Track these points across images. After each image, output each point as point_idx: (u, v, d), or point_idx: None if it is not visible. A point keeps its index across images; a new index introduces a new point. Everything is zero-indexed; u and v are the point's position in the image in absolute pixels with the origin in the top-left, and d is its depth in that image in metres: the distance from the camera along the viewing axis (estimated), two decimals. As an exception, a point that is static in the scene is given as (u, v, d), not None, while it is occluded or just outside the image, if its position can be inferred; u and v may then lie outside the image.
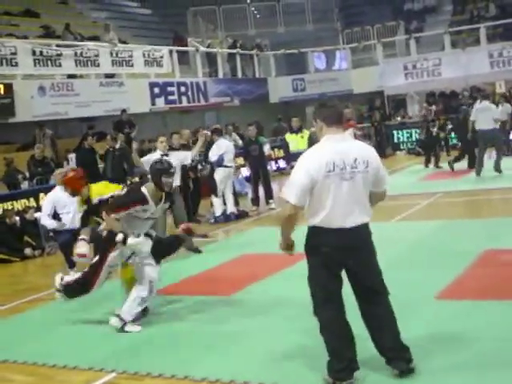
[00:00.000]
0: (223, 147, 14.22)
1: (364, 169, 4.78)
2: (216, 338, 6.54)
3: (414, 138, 24.49)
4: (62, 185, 9.20)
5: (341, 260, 4.90)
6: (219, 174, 14.15)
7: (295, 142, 21.76)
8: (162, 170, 7.20)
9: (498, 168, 15.59)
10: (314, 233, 4.91)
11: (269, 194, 15.48)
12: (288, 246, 5.08)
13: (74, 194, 8.60)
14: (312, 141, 12.72)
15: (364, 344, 5.11)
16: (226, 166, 14.13)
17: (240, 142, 19.89)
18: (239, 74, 26.56)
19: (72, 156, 17.06)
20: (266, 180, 15.45)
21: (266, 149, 15.40)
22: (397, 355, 4.94)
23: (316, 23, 33.03)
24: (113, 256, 7.26)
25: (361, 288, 4.99)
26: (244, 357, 5.97)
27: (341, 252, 4.84)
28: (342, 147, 4.78)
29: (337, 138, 4.83)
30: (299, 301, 7.39)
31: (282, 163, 23.20)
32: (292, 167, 5.25)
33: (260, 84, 27.46)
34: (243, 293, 8.20)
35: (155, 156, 10.43)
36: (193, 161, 12.69)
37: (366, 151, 4.89)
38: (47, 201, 10.48)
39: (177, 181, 10.18)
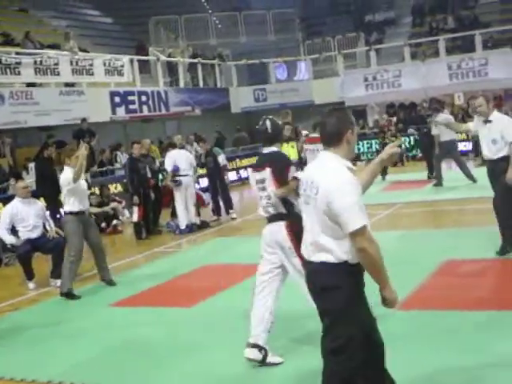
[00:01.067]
0: (173, 156, 14.19)
1: (314, 195, 3.95)
2: (178, 349, 6.52)
3: (374, 149, 24.68)
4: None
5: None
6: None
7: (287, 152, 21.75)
8: None
9: (470, 177, 15.82)
10: None
11: (228, 204, 15.49)
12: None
13: None
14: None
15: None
16: (180, 175, 14.07)
17: (202, 152, 19.89)
18: (201, 84, 26.52)
19: (31, 165, 16.85)
20: (224, 191, 15.48)
21: (221, 159, 15.36)
22: None
23: (277, 34, 33.17)
24: None
25: None
26: (207, 368, 5.94)
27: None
28: (316, 165, 4.14)
29: (319, 157, 4.15)
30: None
31: (244, 173, 23.26)
32: None
33: (221, 94, 27.45)
34: (204, 304, 8.18)
35: None
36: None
37: (321, 174, 3.96)
38: (5, 214, 10.33)
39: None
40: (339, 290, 3.88)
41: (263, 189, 5.83)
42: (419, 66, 26.24)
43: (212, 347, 6.48)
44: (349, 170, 3.96)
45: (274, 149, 6.02)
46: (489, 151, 8.71)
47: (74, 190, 9.27)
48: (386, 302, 3.98)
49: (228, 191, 15.67)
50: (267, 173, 5.85)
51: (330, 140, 4.04)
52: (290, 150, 9.96)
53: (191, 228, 14.07)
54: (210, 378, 5.70)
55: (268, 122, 6.00)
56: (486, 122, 8.75)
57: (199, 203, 15.45)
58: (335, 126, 4.03)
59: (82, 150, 9.35)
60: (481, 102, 8.88)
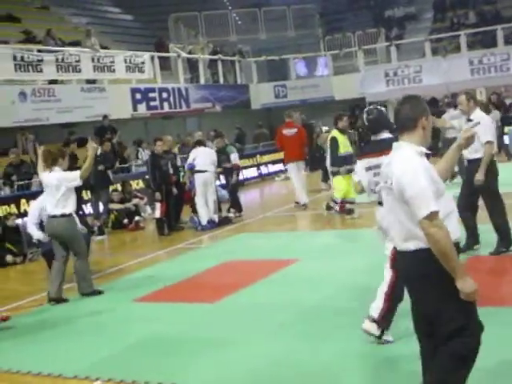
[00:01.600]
0: (194, 153, 14.22)
1: (390, 185, 4.00)
2: (201, 346, 6.52)
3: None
4: None
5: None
6: (195, 180, 14.12)
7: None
8: None
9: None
10: None
11: (233, 204, 15.50)
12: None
13: None
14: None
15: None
16: (198, 171, 14.05)
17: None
18: (221, 81, 26.54)
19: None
20: (233, 191, 15.53)
21: (233, 158, 15.33)
22: None
23: (297, 30, 33.08)
24: None
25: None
26: (230, 364, 5.95)
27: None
28: (390, 157, 4.13)
29: (396, 146, 4.14)
30: (284, 308, 7.45)
31: (264, 169, 23.35)
32: None
33: (242, 90, 27.44)
34: (228, 300, 8.19)
35: None
36: None
37: (395, 164, 4.00)
38: (33, 208, 10.36)
39: None
40: (437, 275, 3.82)
41: (379, 174, 5.51)
42: (440, 61, 26.05)
43: (236, 343, 6.48)
44: (423, 155, 3.98)
45: (387, 135, 6.22)
46: (467, 151, 8.34)
47: (72, 190, 9.21)
48: (462, 293, 3.80)
49: (236, 190, 15.65)
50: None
51: (405, 126, 4.08)
52: None
53: (213, 224, 14.07)
54: (235, 374, 5.70)
55: (376, 111, 6.35)
56: (468, 120, 8.57)
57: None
58: (410, 112, 4.07)
59: (91, 151, 9.33)
60: (461, 100, 8.69)
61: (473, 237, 8.94)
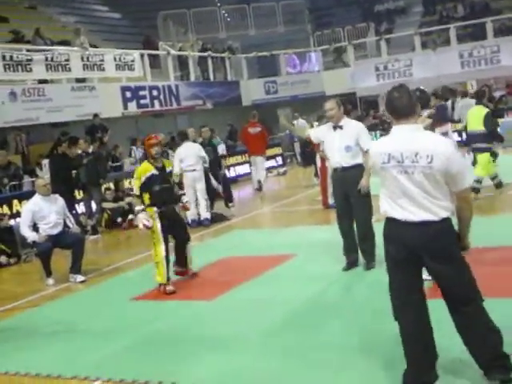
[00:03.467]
0: (180, 154, 13.98)
1: (427, 164, 4.28)
2: (201, 343, 6.47)
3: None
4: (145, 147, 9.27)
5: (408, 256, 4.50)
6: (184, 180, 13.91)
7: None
8: None
9: None
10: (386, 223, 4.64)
11: (229, 196, 15.61)
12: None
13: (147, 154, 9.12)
14: None
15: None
16: (185, 171, 13.83)
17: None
18: (211, 77, 26.46)
19: (45, 162, 16.88)
20: (225, 183, 15.58)
21: (221, 150, 15.36)
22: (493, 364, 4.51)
23: (287, 25, 33.02)
24: None
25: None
26: (230, 361, 5.90)
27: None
28: (403, 137, 4.41)
29: (399, 130, 4.46)
30: (284, 303, 7.41)
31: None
32: None
33: (232, 87, 27.37)
34: (225, 297, 8.14)
35: None
36: None
37: (433, 145, 4.33)
38: (26, 210, 10.30)
39: None
40: (454, 243, 4.46)
41: None
42: (430, 54, 26.09)
43: (236, 340, 6.44)
44: None
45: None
46: (341, 158, 8.26)
47: None
48: (465, 248, 4.52)
49: (229, 183, 15.64)
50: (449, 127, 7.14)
51: (409, 111, 4.43)
52: None
53: (200, 222, 13.97)
54: (235, 371, 5.66)
55: (418, 92, 6.96)
56: (336, 127, 8.29)
57: (214, 196, 15.26)
58: (410, 98, 4.45)
59: None
60: (332, 106, 8.29)
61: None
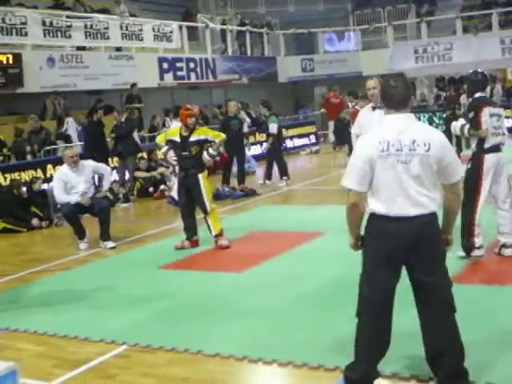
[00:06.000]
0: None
1: (424, 152, 4.24)
2: (228, 313, 6.53)
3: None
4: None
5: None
6: None
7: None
8: None
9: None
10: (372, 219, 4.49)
11: (282, 171, 15.71)
12: (355, 242, 4.54)
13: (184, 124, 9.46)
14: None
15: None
16: None
17: (248, 120, 19.84)
18: (248, 52, 26.37)
19: (69, 119, 17.22)
20: (278, 157, 15.62)
21: (271, 127, 15.36)
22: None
23: (326, 3, 32.63)
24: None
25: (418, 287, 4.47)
26: (257, 333, 5.94)
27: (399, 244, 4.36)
28: (401, 126, 4.33)
29: (395, 118, 4.38)
30: (312, 279, 7.44)
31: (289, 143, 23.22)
32: None
33: (269, 63, 27.27)
34: (255, 270, 8.18)
35: None
36: None
37: (430, 133, 4.35)
38: (57, 179, 10.40)
39: None
40: (439, 238, 4.45)
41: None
42: (471, 39, 25.71)
43: (262, 311, 6.48)
44: None
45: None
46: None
47: None
48: (448, 244, 4.57)
49: (273, 159, 15.73)
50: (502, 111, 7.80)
51: (406, 102, 4.41)
52: None
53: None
54: (261, 341, 5.70)
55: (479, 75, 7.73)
56: (375, 108, 7.81)
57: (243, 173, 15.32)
58: (407, 91, 4.44)
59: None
60: (375, 84, 7.83)
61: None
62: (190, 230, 9.65)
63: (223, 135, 10.03)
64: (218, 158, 12.62)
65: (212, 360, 5.44)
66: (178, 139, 9.48)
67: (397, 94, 4.38)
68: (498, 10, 26.94)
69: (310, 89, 28.97)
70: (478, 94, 7.58)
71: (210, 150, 9.61)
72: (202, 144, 9.56)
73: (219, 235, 9.41)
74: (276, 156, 15.71)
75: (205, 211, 9.47)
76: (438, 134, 4.39)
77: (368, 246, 4.47)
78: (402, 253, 4.33)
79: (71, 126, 17.22)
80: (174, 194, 13.41)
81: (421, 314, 4.47)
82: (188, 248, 9.52)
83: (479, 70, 7.96)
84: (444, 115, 17.49)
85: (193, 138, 9.44)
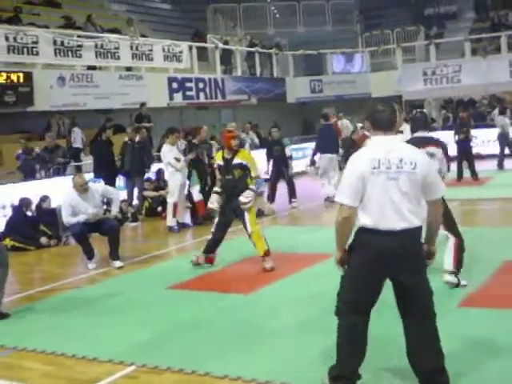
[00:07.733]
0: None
1: (411, 169, 4.56)
2: (236, 335, 6.51)
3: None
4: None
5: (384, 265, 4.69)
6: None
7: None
8: None
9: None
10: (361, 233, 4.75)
11: (292, 194, 15.54)
12: (342, 256, 4.84)
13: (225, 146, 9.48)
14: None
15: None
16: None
17: (256, 141, 19.87)
18: (257, 73, 26.47)
19: (75, 129, 17.43)
20: (290, 180, 15.52)
21: (288, 150, 15.36)
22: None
23: (335, 25, 32.85)
24: None
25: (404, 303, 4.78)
26: (265, 355, 5.92)
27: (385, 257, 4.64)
28: (388, 146, 4.64)
29: (383, 139, 4.70)
30: (321, 300, 7.39)
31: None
32: None
33: (278, 83, 27.36)
34: (264, 291, 8.18)
35: None
36: None
37: (415, 153, 4.70)
38: (65, 204, 10.26)
39: None
40: (422, 251, 4.79)
41: None
42: (480, 61, 25.71)
43: (271, 334, 6.45)
44: None
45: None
46: None
47: None
48: (431, 256, 4.91)
49: (293, 181, 15.66)
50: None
51: (393, 125, 4.77)
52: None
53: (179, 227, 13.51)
54: (270, 365, 5.65)
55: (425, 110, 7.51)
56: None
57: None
58: (395, 114, 4.81)
59: None
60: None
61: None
62: (212, 247, 9.61)
63: (258, 171, 9.90)
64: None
65: (220, 382, 5.42)
66: (221, 163, 9.45)
67: (384, 118, 4.74)
68: (506, 33, 26.94)
69: (318, 109, 28.98)
70: (418, 133, 7.50)
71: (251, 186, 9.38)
72: (244, 169, 9.36)
73: (264, 255, 9.30)
74: (286, 178, 15.60)
75: (248, 233, 9.41)
76: (422, 154, 4.80)
77: (354, 255, 4.76)
78: (387, 263, 4.61)
79: (77, 137, 17.34)
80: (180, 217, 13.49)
81: (404, 319, 4.78)
82: (202, 264, 9.52)
83: (419, 110, 8.20)
84: (456, 137, 17.28)
85: (236, 161, 9.33)
